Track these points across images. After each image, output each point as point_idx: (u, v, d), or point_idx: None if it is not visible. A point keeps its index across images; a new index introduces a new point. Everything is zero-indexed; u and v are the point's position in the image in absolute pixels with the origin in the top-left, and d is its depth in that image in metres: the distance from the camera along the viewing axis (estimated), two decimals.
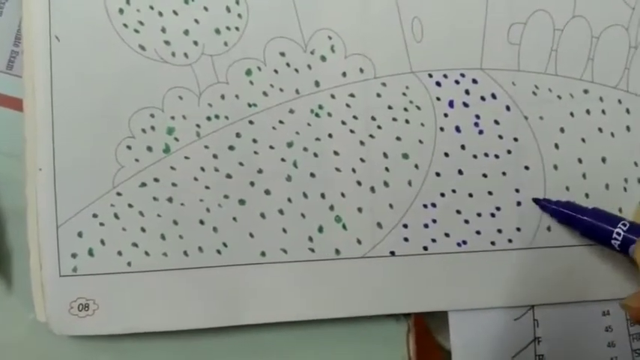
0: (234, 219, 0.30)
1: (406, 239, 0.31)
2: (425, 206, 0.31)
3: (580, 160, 0.31)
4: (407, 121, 0.31)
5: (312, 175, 0.31)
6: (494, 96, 0.31)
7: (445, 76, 0.31)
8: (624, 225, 0.28)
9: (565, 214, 0.30)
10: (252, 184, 0.31)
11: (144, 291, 0.30)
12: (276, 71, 0.31)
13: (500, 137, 0.31)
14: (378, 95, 0.31)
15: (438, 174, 0.31)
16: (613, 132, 0.31)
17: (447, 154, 0.31)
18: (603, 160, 0.31)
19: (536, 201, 0.31)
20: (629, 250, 0.28)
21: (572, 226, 0.30)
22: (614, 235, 0.28)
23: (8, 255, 0.32)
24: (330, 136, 0.31)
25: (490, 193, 0.31)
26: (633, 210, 0.31)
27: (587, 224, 0.29)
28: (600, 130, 0.31)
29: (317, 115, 0.31)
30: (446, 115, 0.31)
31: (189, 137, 0.30)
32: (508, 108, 0.31)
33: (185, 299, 0.30)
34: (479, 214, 0.31)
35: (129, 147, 0.30)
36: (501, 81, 0.31)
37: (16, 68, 0.32)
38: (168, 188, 0.30)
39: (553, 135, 0.31)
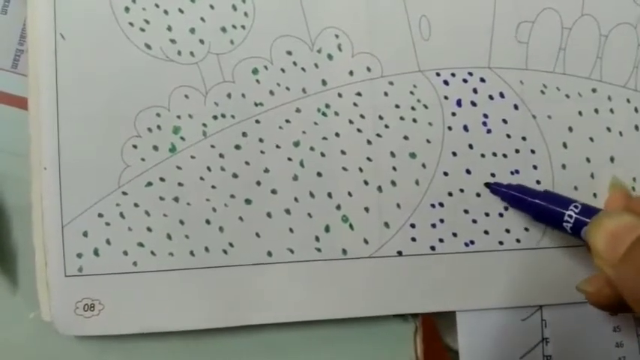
0: (241, 219, 0.30)
1: (413, 239, 0.30)
2: (432, 206, 0.31)
3: (588, 160, 0.31)
4: (414, 120, 0.31)
5: (319, 174, 0.31)
6: (502, 95, 0.31)
7: (453, 74, 0.31)
8: (576, 207, 0.28)
9: (516, 197, 0.30)
10: (258, 183, 0.30)
11: (150, 291, 0.30)
12: (282, 70, 0.31)
13: (509, 136, 0.31)
14: (386, 94, 0.31)
15: (445, 173, 0.31)
16: (621, 131, 0.31)
17: (454, 154, 0.31)
18: (611, 159, 0.31)
19: (487, 185, 0.30)
20: (581, 233, 0.27)
21: (524, 209, 0.30)
22: (566, 218, 0.28)
23: (13, 254, 0.32)
24: (337, 135, 0.31)
25: None
26: None
27: (538, 207, 0.29)
28: (609, 129, 0.31)
29: (324, 114, 0.31)
30: (454, 114, 0.31)
31: (195, 136, 0.30)
32: (516, 107, 0.31)
33: (191, 299, 0.30)
34: (487, 214, 0.31)
35: (135, 146, 0.30)
36: (509, 80, 0.31)
37: (21, 67, 0.32)
38: (175, 188, 0.30)
39: (561, 134, 0.31)
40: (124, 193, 0.30)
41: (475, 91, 0.31)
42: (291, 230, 0.30)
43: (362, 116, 0.31)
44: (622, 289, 0.25)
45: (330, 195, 0.30)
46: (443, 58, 0.31)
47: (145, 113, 0.30)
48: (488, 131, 0.31)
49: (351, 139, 0.31)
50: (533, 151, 0.31)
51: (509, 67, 0.31)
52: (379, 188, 0.31)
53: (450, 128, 0.31)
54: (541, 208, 0.29)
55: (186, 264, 0.30)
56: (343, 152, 0.31)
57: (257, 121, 0.30)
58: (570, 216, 0.28)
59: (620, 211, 0.27)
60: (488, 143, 0.31)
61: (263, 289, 0.30)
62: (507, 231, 0.31)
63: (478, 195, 0.31)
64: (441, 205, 0.31)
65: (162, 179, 0.30)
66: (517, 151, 0.31)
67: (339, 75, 0.31)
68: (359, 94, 0.31)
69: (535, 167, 0.31)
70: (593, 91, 0.31)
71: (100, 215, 0.30)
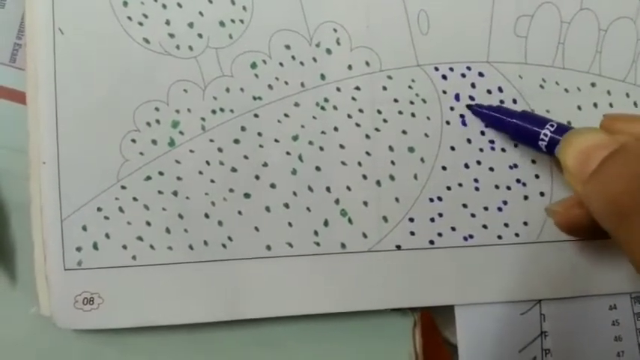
0: (240, 213, 0.30)
1: (412, 233, 0.31)
2: (431, 200, 0.31)
3: None
4: (413, 115, 0.31)
5: (318, 168, 0.31)
6: (500, 89, 0.31)
7: (451, 69, 0.31)
8: (552, 126, 0.28)
9: (494, 117, 0.30)
10: (257, 177, 0.30)
11: (149, 285, 0.30)
12: (281, 64, 0.31)
13: None
14: (384, 88, 0.31)
15: (444, 168, 0.31)
16: None
17: (453, 148, 0.31)
18: None
19: (468, 106, 0.30)
20: (555, 151, 0.27)
21: (502, 129, 0.30)
22: (542, 137, 0.28)
23: (12, 249, 0.32)
24: (335, 129, 0.31)
25: (497, 186, 0.31)
26: None
27: (515, 126, 0.29)
28: None
29: (322, 108, 0.31)
30: (452, 108, 0.31)
31: (194, 131, 0.30)
32: (515, 101, 0.31)
33: (190, 293, 0.30)
34: (485, 208, 0.31)
35: (133, 140, 0.30)
36: (508, 74, 0.31)
37: (19, 61, 0.32)
38: (173, 182, 0.30)
39: None
40: (123, 187, 0.30)
41: (473, 85, 0.31)
42: (290, 224, 0.30)
43: (360, 110, 0.31)
44: (590, 205, 0.24)
45: (328, 189, 0.31)
46: (441, 52, 0.31)
47: (144, 107, 0.30)
48: (487, 125, 0.31)
49: (349, 133, 0.31)
50: None
51: (508, 62, 0.31)
52: (378, 182, 0.31)
53: (448, 123, 0.31)
54: (518, 127, 0.29)
55: (185, 258, 0.30)
56: (342, 146, 0.31)
57: (256, 115, 0.30)
58: (546, 134, 0.28)
59: (591, 128, 0.27)
60: (486, 137, 0.31)
61: (262, 283, 0.30)
62: (506, 225, 0.31)
63: (477, 189, 0.31)
64: (440, 199, 0.31)
65: (161, 173, 0.30)
66: (516, 145, 0.31)
67: (337, 69, 0.31)
68: (357, 88, 0.31)
69: (534, 162, 0.31)
70: (593, 85, 0.31)
71: (99, 209, 0.30)
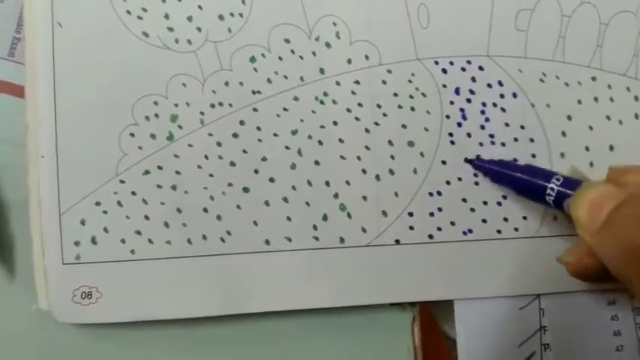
0: (238, 207, 0.30)
1: (411, 228, 0.30)
2: (430, 194, 0.31)
3: (587, 148, 0.31)
4: (412, 109, 0.31)
5: (317, 162, 0.30)
6: (500, 83, 0.31)
7: (451, 63, 0.31)
8: (558, 180, 0.28)
9: (498, 172, 0.30)
10: (256, 171, 0.30)
11: (147, 279, 0.30)
12: (280, 58, 0.30)
13: (507, 125, 0.31)
14: (384, 82, 0.31)
15: (443, 162, 0.31)
16: (621, 120, 0.31)
17: (452, 142, 0.31)
18: (611, 147, 0.31)
19: (469, 161, 0.30)
20: (564, 205, 0.27)
21: (507, 184, 0.30)
22: (548, 191, 0.28)
23: (10, 244, 0.32)
24: (334, 123, 0.31)
25: None
26: None
27: (520, 181, 0.29)
28: (608, 117, 0.31)
29: (322, 102, 0.31)
30: (452, 102, 0.31)
31: (192, 125, 0.30)
32: (515, 95, 0.31)
33: (189, 287, 0.30)
34: (485, 203, 0.31)
35: (132, 134, 0.30)
36: (508, 68, 0.31)
37: (18, 55, 0.32)
38: (172, 176, 0.30)
39: (560, 123, 0.31)
40: (122, 182, 0.30)
41: (474, 79, 0.31)
42: (288, 219, 0.30)
43: (360, 104, 0.31)
44: (602, 256, 0.25)
45: (327, 183, 0.30)
46: (441, 46, 0.31)
47: (143, 101, 0.30)
48: (487, 119, 0.31)
49: (349, 127, 0.30)
50: (532, 140, 0.31)
51: (508, 56, 0.31)
52: (377, 177, 0.31)
53: (448, 117, 0.31)
54: (523, 181, 0.29)
55: (184, 252, 0.30)
56: (341, 140, 0.31)
57: (255, 110, 0.30)
58: (552, 189, 0.27)
59: (601, 182, 0.27)
60: (486, 132, 0.31)
61: (260, 277, 0.30)
62: (505, 220, 0.31)
63: (476, 184, 0.31)
64: (439, 193, 0.31)
65: (159, 167, 0.30)
66: (516, 139, 0.31)
67: (337, 63, 0.30)
68: (357, 82, 0.31)
69: (534, 156, 0.31)
70: (593, 79, 0.31)
71: (98, 203, 0.30)
